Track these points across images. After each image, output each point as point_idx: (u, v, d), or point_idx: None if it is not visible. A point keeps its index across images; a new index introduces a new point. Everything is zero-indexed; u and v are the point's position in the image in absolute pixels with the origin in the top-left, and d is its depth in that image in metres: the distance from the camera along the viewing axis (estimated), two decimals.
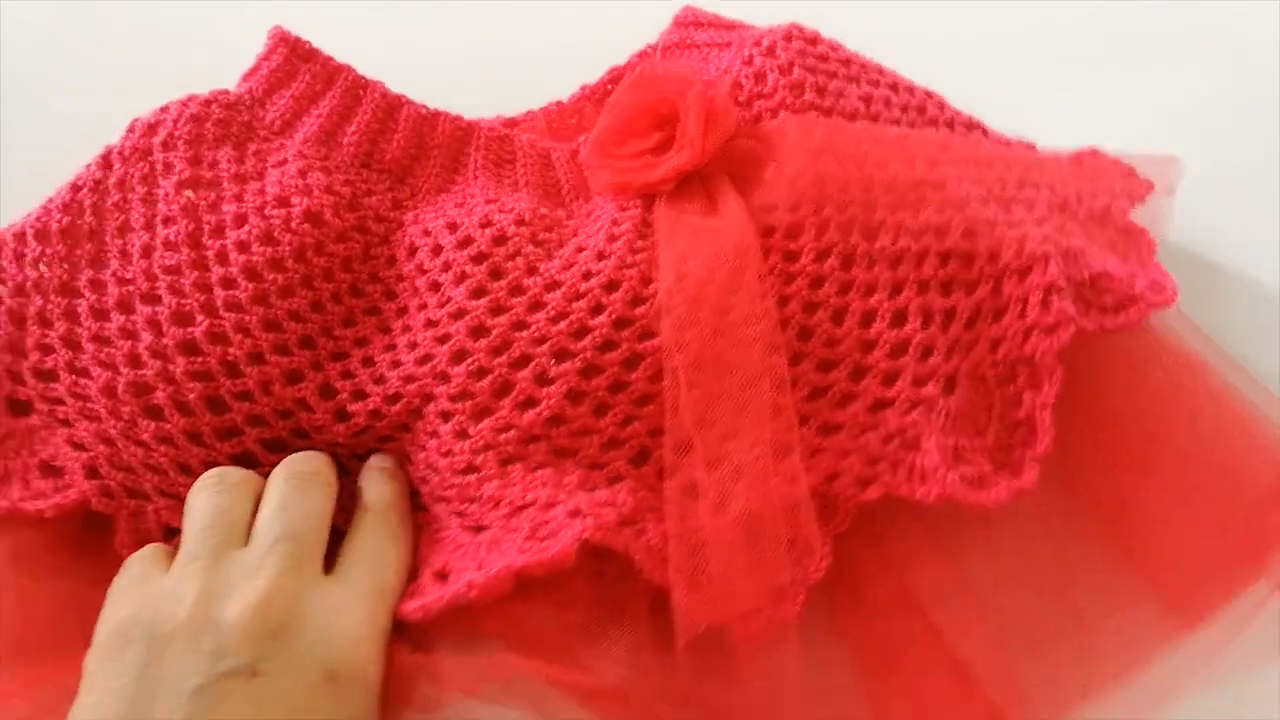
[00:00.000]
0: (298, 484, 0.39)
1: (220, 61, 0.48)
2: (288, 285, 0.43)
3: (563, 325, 0.41)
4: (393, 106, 0.47)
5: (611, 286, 0.41)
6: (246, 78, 0.48)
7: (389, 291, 0.44)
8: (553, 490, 0.39)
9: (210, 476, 0.40)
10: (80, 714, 0.34)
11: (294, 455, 0.41)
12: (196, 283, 0.43)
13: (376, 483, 0.41)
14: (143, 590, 0.37)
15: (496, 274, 0.42)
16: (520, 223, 0.44)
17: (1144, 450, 0.43)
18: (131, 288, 0.43)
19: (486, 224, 0.44)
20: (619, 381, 0.41)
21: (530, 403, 0.40)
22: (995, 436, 0.42)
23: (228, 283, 0.43)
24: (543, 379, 0.40)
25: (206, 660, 0.34)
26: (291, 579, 0.36)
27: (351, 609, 0.36)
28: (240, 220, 0.44)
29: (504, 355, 0.41)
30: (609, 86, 0.51)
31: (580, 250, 0.43)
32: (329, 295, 0.44)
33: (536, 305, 0.41)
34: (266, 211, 0.44)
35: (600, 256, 0.42)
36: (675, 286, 0.41)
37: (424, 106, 0.48)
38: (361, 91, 0.47)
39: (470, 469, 0.40)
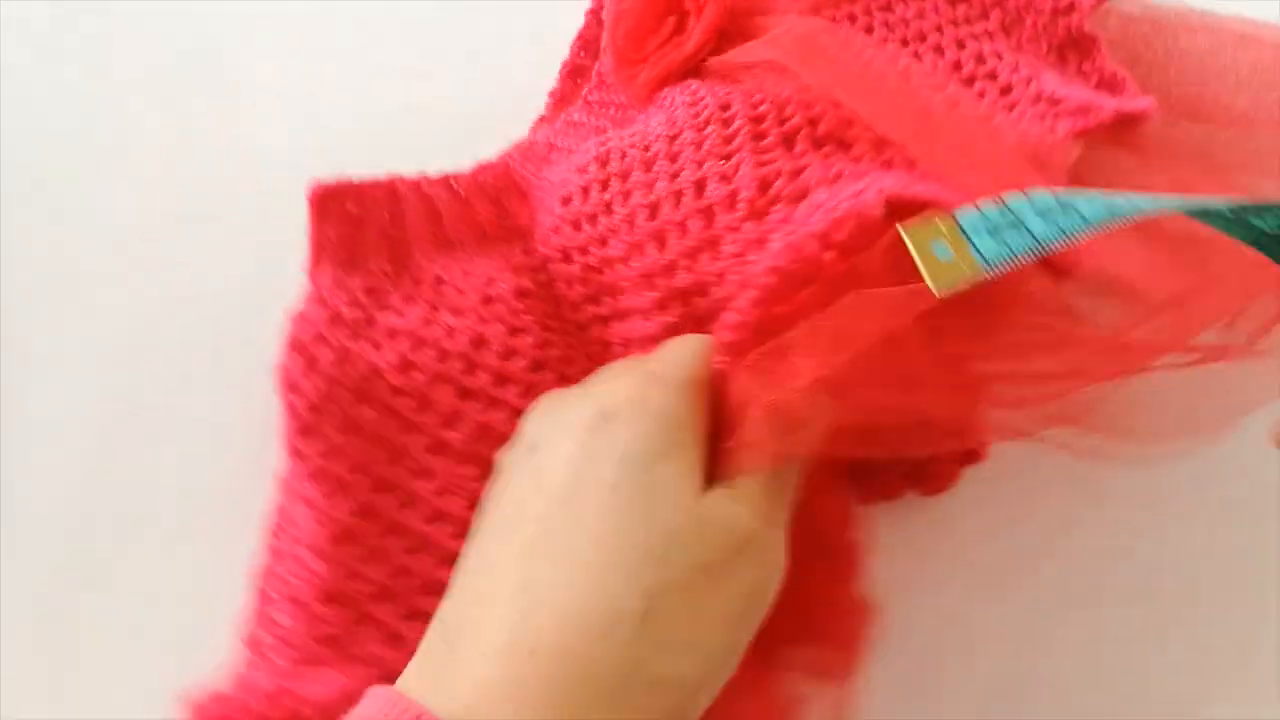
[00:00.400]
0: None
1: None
2: (567, 354, 0.42)
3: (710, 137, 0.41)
4: (449, 186, 0.46)
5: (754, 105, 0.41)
6: (317, 262, 0.44)
7: (599, 289, 0.42)
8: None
9: None
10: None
11: None
12: (511, 414, 0.40)
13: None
14: None
15: (625, 176, 0.42)
16: (605, 143, 0.43)
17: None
18: (458, 475, 0.40)
19: (584, 169, 0.43)
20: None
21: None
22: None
23: (530, 389, 0.40)
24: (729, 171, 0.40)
25: (504, 460, 0.36)
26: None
27: (624, 370, 0.37)
28: (479, 342, 0.41)
29: (702, 167, 0.40)
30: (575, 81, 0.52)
31: (696, 104, 0.42)
32: (586, 336, 0.43)
33: (674, 158, 0.41)
34: (485, 314, 0.42)
35: (699, 102, 0.42)
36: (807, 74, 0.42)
37: (459, 173, 0.47)
38: (416, 190, 0.46)
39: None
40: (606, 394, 0.34)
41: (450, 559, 0.37)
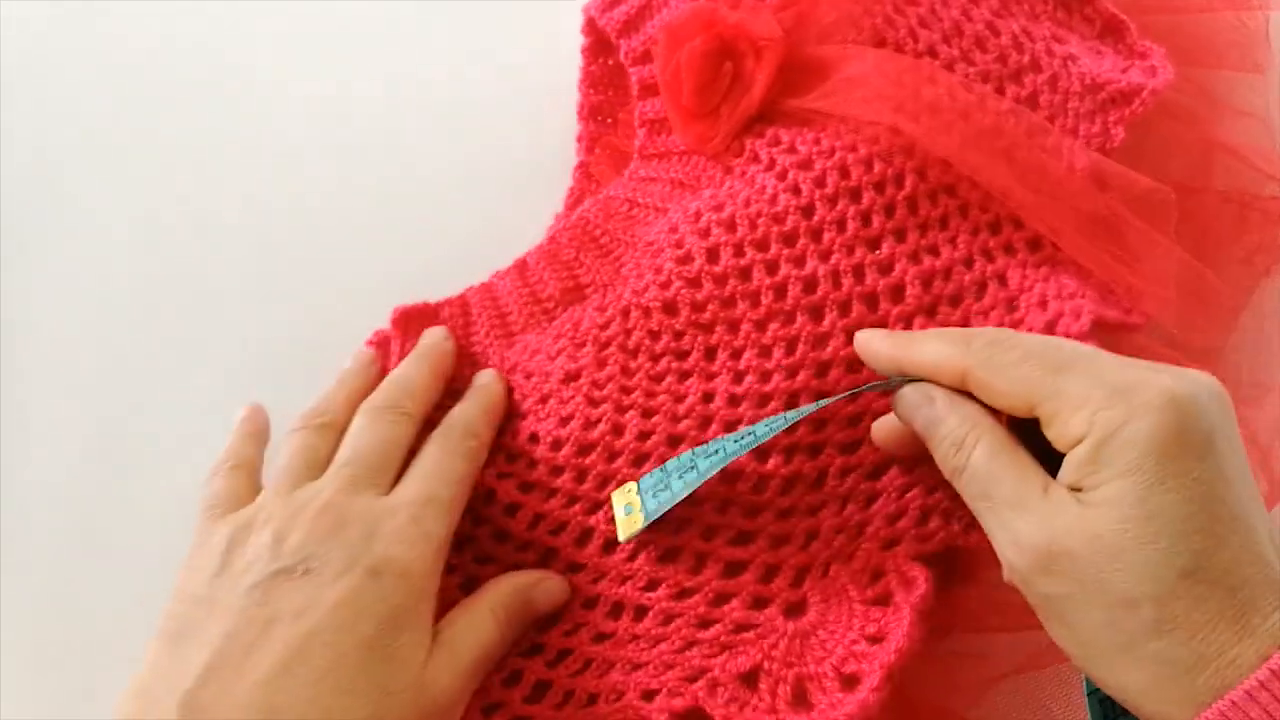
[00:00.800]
0: (372, 417, 0.42)
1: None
2: (621, 403, 0.43)
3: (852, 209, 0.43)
4: (521, 269, 0.47)
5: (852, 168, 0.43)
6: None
7: (694, 345, 0.43)
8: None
9: (300, 419, 0.43)
10: (179, 580, 0.39)
11: (375, 393, 0.43)
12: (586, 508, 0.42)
13: (465, 401, 0.44)
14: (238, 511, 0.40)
15: (762, 246, 0.43)
16: (720, 206, 0.44)
17: None
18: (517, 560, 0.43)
19: (704, 231, 0.44)
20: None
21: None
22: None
23: (594, 476, 0.42)
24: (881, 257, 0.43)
25: (266, 559, 0.37)
26: (348, 494, 0.39)
27: (397, 514, 0.39)
28: (533, 439, 0.43)
29: (854, 253, 0.42)
30: (596, 119, 0.52)
31: (808, 167, 0.44)
32: (657, 386, 0.43)
33: (817, 236, 0.43)
34: (570, 399, 0.43)
35: (809, 165, 0.44)
36: (909, 120, 0.43)
37: (536, 246, 0.48)
38: (488, 293, 0.47)
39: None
40: (379, 551, 0.37)
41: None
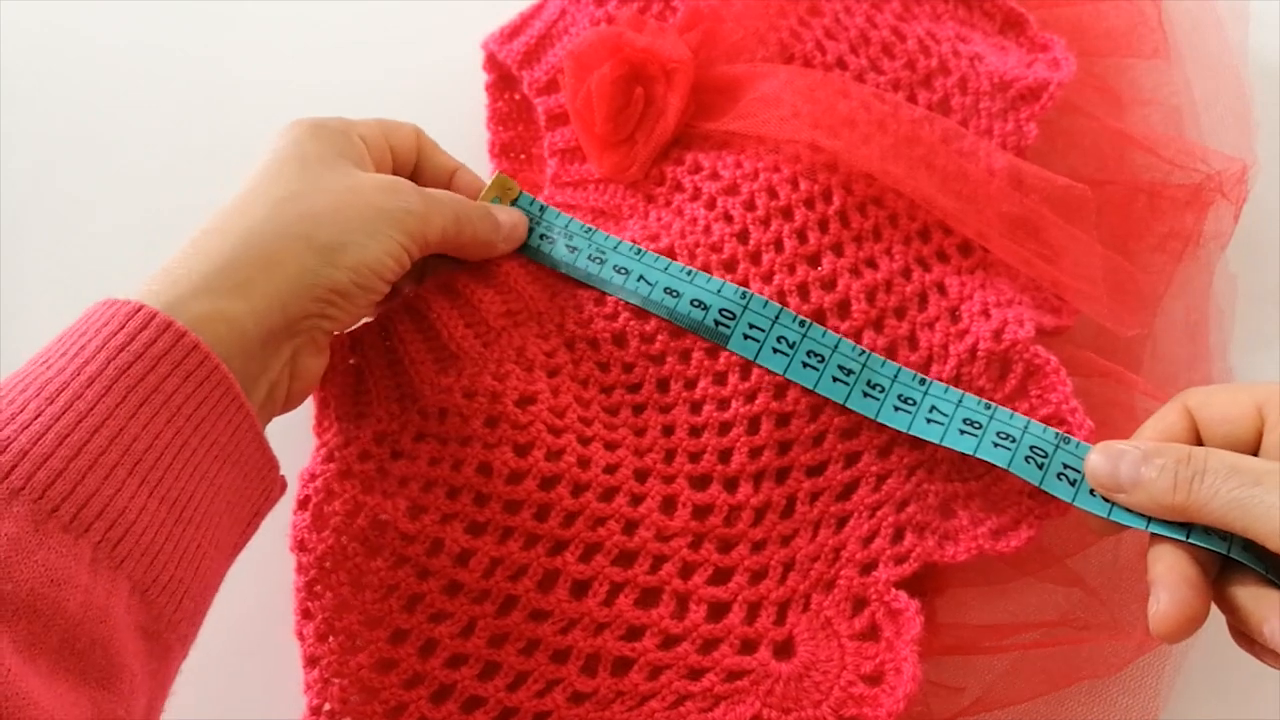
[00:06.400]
0: None
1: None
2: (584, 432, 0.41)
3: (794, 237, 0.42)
4: (450, 288, 0.43)
5: (781, 188, 0.43)
6: (323, 419, 0.42)
7: (644, 376, 0.43)
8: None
9: None
10: None
11: None
12: (528, 541, 0.39)
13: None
14: None
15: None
16: (655, 236, 0.43)
17: None
18: (474, 613, 0.39)
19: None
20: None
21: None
22: None
23: (543, 510, 0.40)
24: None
25: None
26: None
27: None
28: (486, 469, 0.40)
29: (795, 272, 0.42)
30: (509, 157, 0.51)
31: (735, 193, 0.43)
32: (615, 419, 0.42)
33: (756, 259, 0.42)
34: (491, 438, 0.40)
35: (736, 191, 0.43)
36: (828, 136, 0.42)
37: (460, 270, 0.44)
38: (410, 312, 0.42)
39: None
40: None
41: (476, 701, 0.38)
